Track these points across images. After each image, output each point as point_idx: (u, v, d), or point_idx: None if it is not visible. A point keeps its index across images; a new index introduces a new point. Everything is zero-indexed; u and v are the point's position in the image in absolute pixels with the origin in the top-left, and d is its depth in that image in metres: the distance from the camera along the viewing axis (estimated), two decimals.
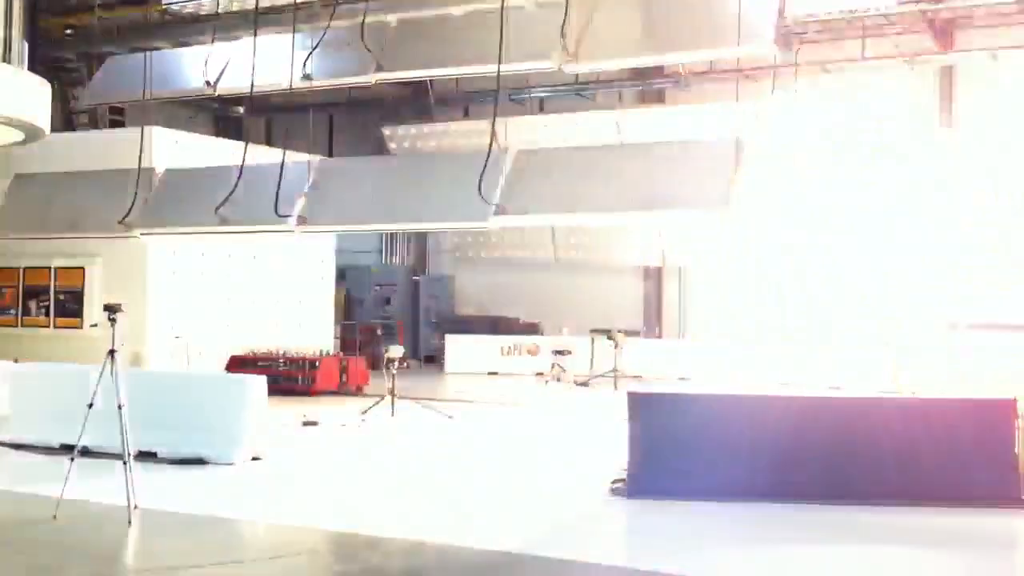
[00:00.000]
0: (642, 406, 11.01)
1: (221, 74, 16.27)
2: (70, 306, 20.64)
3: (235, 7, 19.89)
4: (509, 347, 24.92)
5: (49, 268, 20.92)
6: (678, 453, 10.59)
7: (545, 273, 27.16)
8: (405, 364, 17.39)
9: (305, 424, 15.40)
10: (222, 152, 20.46)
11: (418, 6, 18.62)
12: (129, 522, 9.07)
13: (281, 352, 20.81)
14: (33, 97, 15.74)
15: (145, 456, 10.83)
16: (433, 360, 27.43)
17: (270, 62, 15.57)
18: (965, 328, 22.58)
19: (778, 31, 13.11)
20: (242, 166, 14.59)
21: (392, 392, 16.52)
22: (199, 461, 11.84)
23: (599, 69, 17.62)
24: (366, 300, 29.58)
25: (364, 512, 10.16)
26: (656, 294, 27.92)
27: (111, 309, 9.61)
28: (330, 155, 27.13)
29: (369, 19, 15.24)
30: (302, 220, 14.41)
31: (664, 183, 12.58)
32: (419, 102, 29.19)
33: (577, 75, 22.75)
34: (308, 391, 19.71)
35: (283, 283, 22.58)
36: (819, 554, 8.51)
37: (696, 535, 9.15)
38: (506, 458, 13.26)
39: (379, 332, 28.25)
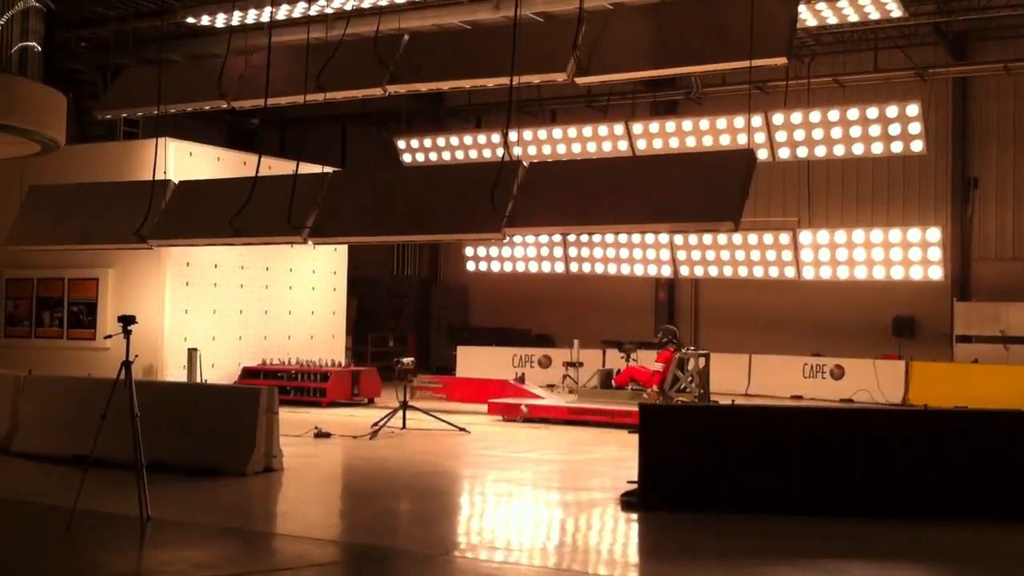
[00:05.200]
0: (653, 418, 11.00)
1: (235, 86, 16.37)
2: (84, 318, 20.71)
3: (250, 20, 19.98)
4: (521, 358, 24.93)
5: (63, 279, 21.00)
6: (689, 465, 10.57)
7: (557, 285, 27.16)
8: (414, 376, 17.40)
9: (317, 436, 15.41)
10: (236, 163, 20.60)
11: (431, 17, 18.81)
12: (142, 533, 9.09)
13: (294, 363, 20.87)
14: (49, 109, 15.85)
15: (158, 467, 10.85)
16: (445, 371, 27.43)
17: (284, 74, 15.66)
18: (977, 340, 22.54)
19: (791, 43, 13.13)
20: (255, 177, 14.66)
21: (404, 404, 16.52)
22: (212, 472, 11.86)
23: (611, 81, 17.62)
24: (378, 311, 29.62)
25: (376, 524, 10.17)
26: (668, 305, 27.92)
27: (125, 321, 9.65)
28: (343, 166, 27.21)
29: (382, 30, 15.32)
30: (315, 231, 14.47)
31: (676, 195, 12.59)
32: (432, 113, 29.33)
33: (589, 87, 22.81)
34: (320, 402, 19.75)
35: (296, 294, 22.65)
36: (831, 570, 8.47)
37: (706, 548, 9.12)
38: (516, 469, 13.24)
39: (391, 343, 28.34)
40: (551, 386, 20.54)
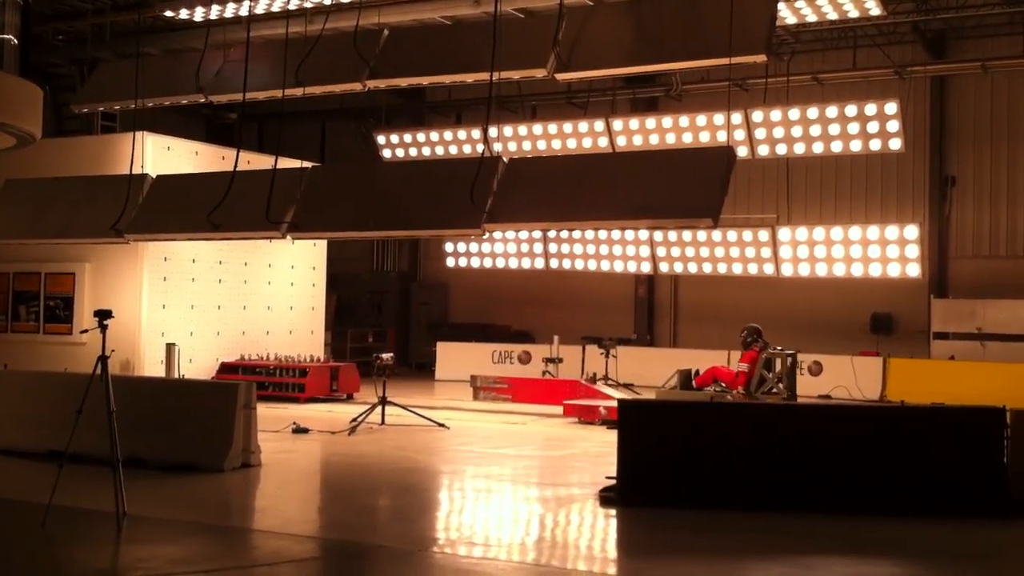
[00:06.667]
0: (632, 414, 11.01)
1: (213, 80, 16.28)
2: (60, 312, 20.58)
3: (228, 14, 19.89)
4: (500, 354, 24.94)
5: (39, 274, 20.86)
6: (668, 461, 10.59)
7: (537, 281, 27.16)
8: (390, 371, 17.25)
9: (295, 431, 15.36)
10: (214, 158, 20.51)
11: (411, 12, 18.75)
12: (118, 529, 9.04)
13: (272, 359, 20.79)
14: (25, 102, 15.73)
15: (134, 463, 10.79)
16: (424, 367, 27.42)
17: (263, 68, 15.58)
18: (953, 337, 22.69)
19: (771, 41, 13.15)
20: (234, 172, 14.58)
21: (383, 399, 16.50)
22: (189, 468, 11.80)
23: (591, 77, 17.61)
24: (357, 307, 29.56)
25: (354, 520, 10.15)
26: (648, 302, 27.97)
27: (102, 315, 9.59)
28: (322, 161, 27.14)
29: (361, 25, 15.26)
30: (293, 227, 14.41)
31: (655, 192, 12.59)
32: (412, 109, 29.27)
33: (569, 83, 22.82)
34: (299, 398, 19.69)
35: (274, 290, 22.57)
36: (810, 565, 8.50)
37: (684, 544, 9.13)
38: (495, 465, 13.24)
39: (370, 339, 28.28)
40: (617, 384, 19.94)
